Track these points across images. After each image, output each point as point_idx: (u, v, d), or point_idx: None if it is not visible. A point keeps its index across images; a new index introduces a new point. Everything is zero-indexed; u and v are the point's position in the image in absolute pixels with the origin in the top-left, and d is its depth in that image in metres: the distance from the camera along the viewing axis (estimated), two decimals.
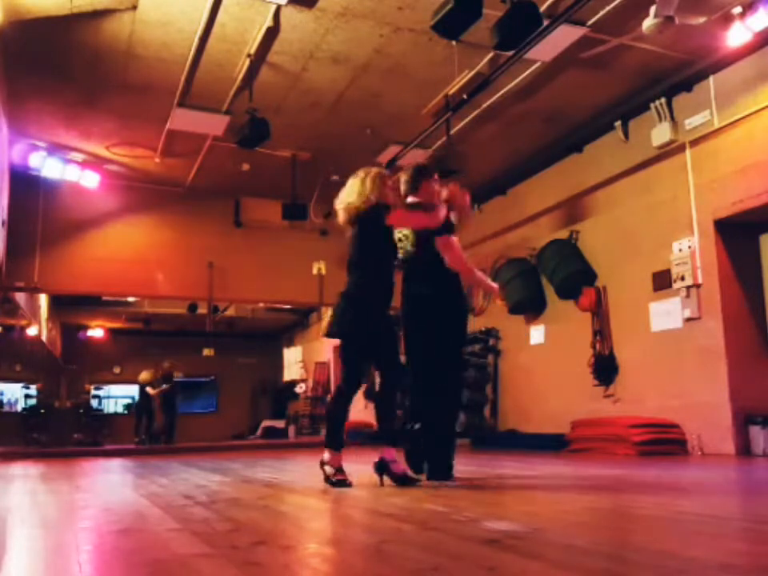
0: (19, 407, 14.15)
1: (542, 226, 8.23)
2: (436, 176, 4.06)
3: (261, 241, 9.48)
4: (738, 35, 5.30)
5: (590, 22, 5.30)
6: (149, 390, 12.10)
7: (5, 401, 14.31)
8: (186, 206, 9.14)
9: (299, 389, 16.16)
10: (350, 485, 3.45)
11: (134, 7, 5.20)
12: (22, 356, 13.73)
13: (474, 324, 9.35)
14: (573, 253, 7.56)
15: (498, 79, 5.80)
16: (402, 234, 4.05)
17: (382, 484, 3.48)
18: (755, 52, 5.67)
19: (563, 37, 5.38)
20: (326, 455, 3.54)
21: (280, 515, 2.72)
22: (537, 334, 8.33)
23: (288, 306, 14.43)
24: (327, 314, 15.02)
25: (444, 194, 4.03)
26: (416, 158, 7.63)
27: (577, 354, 7.40)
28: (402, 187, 4.06)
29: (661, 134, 6.48)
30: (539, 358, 8.20)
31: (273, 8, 5.21)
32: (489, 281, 4.23)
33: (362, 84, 6.44)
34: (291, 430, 15.58)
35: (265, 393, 18.65)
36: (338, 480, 3.47)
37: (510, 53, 5.21)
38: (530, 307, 8.28)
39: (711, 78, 6.11)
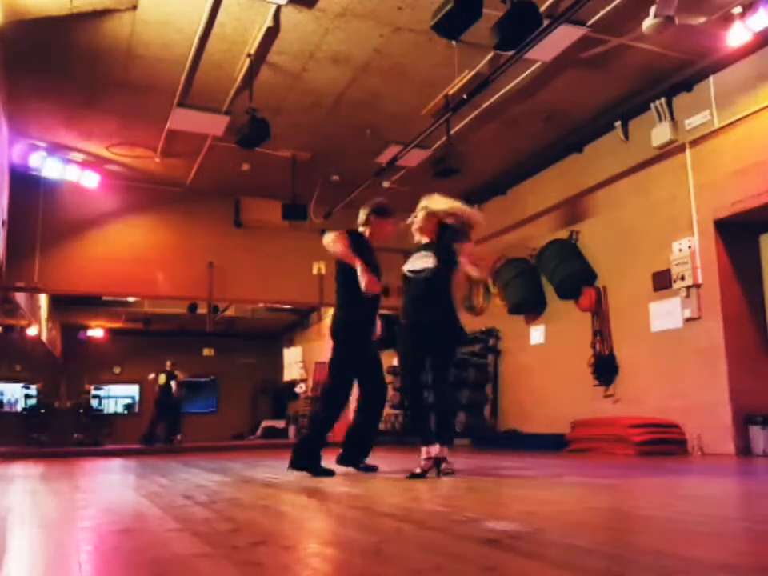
0: (19, 407, 14.15)
1: (541, 226, 8.23)
2: (392, 220, 4.54)
3: (261, 241, 9.47)
4: (737, 35, 5.30)
5: (590, 22, 5.30)
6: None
7: (5, 401, 14.31)
8: (186, 206, 9.14)
9: (299, 389, 16.15)
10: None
11: (134, 7, 5.20)
12: (22, 356, 13.73)
13: (475, 324, 9.36)
14: (573, 253, 7.56)
15: (498, 79, 5.79)
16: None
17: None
18: (755, 52, 5.67)
19: (563, 37, 5.38)
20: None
21: (280, 515, 2.72)
22: (537, 334, 8.33)
23: (288, 306, 14.42)
24: (327, 314, 15.09)
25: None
26: (416, 158, 7.65)
27: (577, 354, 7.39)
28: (360, 218, 4.54)
29: (661, 133, 6.48)
30: (539, 358, 8.20)
31: (273, 8, 5.21)
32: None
33: (362, 84, 6.44)
34: (291, 430, 15.59)
35: (265, 393, 18.65)
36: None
37: (510, 53, 5.21)
38: (530, 307, 8.29)
39: (711, 78, 6.11)
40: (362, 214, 4.53)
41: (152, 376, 12.52)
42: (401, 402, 10.29)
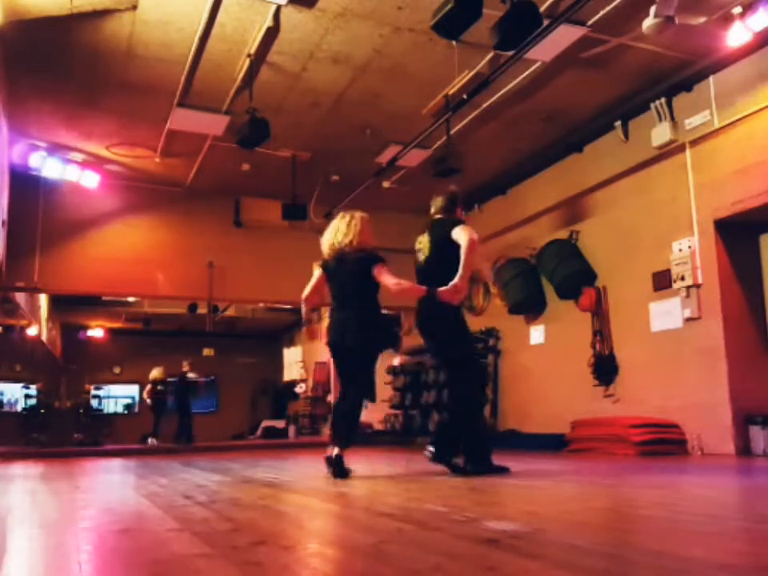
0: (19, 407, 14.13)
1: (542, 226, 8.23)
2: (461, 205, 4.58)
3: (261, 241, 9.47)
4: (737, 35, 5.30)
5: (590, 22, 5.30)
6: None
7: (5, 401, 14.30)
8: (186, 206, 9.13)
9: (299, 389, 16.16)
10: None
11: (134, 7, 5.20)
12: (22, 356, 13.72)
13: (475, 324, 9.36)
14: (573, 253, 7.56)
15: (498, 79, 5.79)
16: (420, 243, 4.42)
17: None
18: (755, 52, 5.67)
19: (563, 37, 5.38)
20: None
21: (280, 515, 2.72)
22: (537, 334, 8.33)
23: (288, 306, 14.42)
24: (327, 314, 15.06)
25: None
26: (416, 158, 7.65)
27: (577, 354, 7.40)
28: (435, 206, 4.49)
29: (661, 134, 6.48)
30: (539, 358, 8.20)
31: (273, 8, 5.21)
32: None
33: (362, 84, 6.44)
34: (291, 430, 15.58)
35: (265, 393, 18.65)
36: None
37: (510, 53, 5.21)
38: (530, 307, 8.28)
39: (711, 78, 6.11)
40: (442, 202, 4.45)
41: (186, 367, 12.45)
42: (401, 402, 10.31)
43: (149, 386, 12.33)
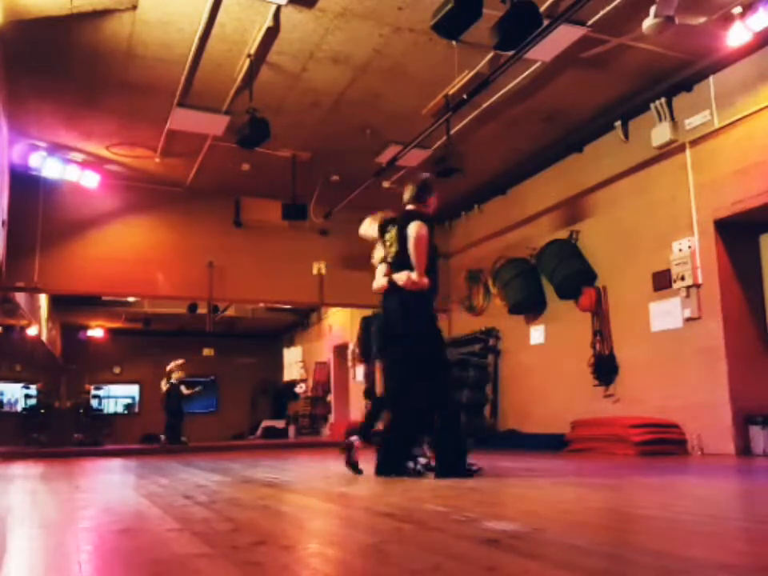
0: (19, 407, 14.14)
1: (541, 226, 8.23)
2: (436, 193, 4.41)
3: (261, 241, 9.47)
4: (737, 35, 5.30)
5: (590, 22, 5.30)
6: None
7: (5, 401, 14.31)
8: (186, 206, 9.13)
9: (299, 389, 16.16)
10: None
11: (134, 7, 5.20)
12: (22, 356, 13.73)
13: (474, 324, 9.37)
14: (573, 253, 7.56)
15: (497, 79, 5.79)
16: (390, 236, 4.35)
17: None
18: (755, 52, 5.67)
19: (563, 37, 5.38)
20: None
21: (280, 515, 2.72)
22: (537, 334, 8.33)
23: (288, 306, 14.43)
24: (327, 314, 15.07)
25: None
26: (416, 158, 7.65)
27: (577, 354, 7.40)
28: (406, 196, 4.33)
29: (661, 134, 6.48)
30: (539, 358, 8.20)
31: (273, 8, 5.21)
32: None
33: (362, 84, 6.44)
34: (291, 429, 15.59)
35: (265, 393, 18.66)
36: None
37: (510, 53, 5.21)
38: (530, 307, 8.29)
39: (711, 78, 6.11)
40: (412, 191, 4.29)
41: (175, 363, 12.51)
42: None
43: (182, 387, 12.34)
